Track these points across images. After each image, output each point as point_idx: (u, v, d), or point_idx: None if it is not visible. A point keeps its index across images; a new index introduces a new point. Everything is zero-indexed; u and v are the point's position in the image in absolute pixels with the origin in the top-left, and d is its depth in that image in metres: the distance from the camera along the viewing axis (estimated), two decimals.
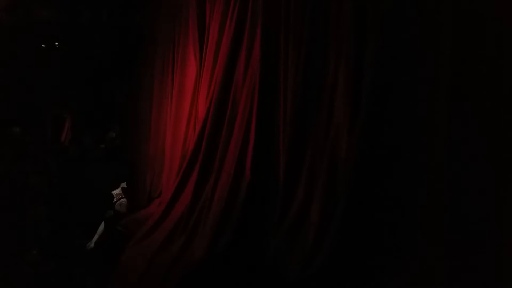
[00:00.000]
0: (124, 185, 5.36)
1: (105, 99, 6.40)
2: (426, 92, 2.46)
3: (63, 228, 4.63)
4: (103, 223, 4.75)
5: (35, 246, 4.23)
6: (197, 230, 3.60)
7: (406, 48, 2.59)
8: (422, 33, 2.51)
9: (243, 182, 3.44)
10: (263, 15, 3.63)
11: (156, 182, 5.22)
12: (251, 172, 3.44)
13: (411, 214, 2.45)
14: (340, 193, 2.77)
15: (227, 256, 3.21)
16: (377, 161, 2.64)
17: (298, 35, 3.29)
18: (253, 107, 3.59)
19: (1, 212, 4.29)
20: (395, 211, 2.51)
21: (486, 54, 2.25)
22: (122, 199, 5.16)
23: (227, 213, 3.40)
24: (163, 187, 5.01)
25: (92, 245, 4.61)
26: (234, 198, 3.43)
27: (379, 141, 2.65)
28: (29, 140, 5.33)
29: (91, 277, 3.89)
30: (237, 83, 3.86)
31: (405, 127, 2.55)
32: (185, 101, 4.85)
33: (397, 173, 2.56)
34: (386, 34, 2.65)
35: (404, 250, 2.45)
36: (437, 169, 2.34)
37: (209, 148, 3.97)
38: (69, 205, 4.83)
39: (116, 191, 5.26)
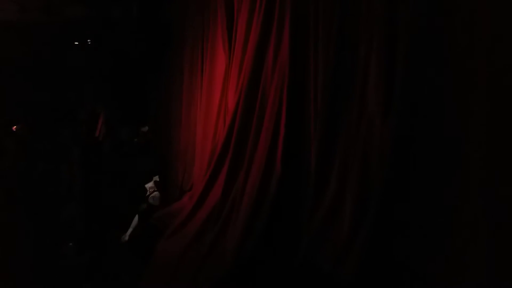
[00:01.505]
0: (156, 178, 5.43)
1: (137, 94, 6.49)
2: (462, 89, 2.31)
3: (98, 221, 4.73)
4: (137, 216, 4.83)
5: (71, 239, 4.34)
6: (229, 224, 3.59)
7: (442, 41, 2.44)
8: (458, 32, 2.36)
9: (274, 175, 3.39)
10: (292, 7, 3.53)
11: (188, 175, 5.26)
12: (281, 165, 3.38)
13: (443, 212, 2.34)
14: (373, 187, 2.69)
15: (259, 250, 3.18)
16: (410, 154, 2.54)
17: (328, 26, 3.18)
18: (283, 99, 3.51)
19: (38, 206, 4.42)
20: (426, 210, 2.40)
21: None
22: (155, 192, 5.23)
23: (258, 206, 3.36)
24: (194, 180, 5.04)
25: (126, 238, 4.69)
26: (265, 191, 3.38)
27: (412, 134, 2.53)
28: (64, 135, 5.48)
29: (125, 270, 3.96)
30: (267, 75, 3.79)
31: (439, 122, 2.42)
32: (215, 93, 4.82)
33: (430, 167, 2.43)
34: (419, 29, 2.52)
35: (436, 252, 2.34)
36: (471, 165, 2.21)
37: (239, 141, 3.93)
38: (104, 198, 4.93)
39: (149, 185, 5.34)
